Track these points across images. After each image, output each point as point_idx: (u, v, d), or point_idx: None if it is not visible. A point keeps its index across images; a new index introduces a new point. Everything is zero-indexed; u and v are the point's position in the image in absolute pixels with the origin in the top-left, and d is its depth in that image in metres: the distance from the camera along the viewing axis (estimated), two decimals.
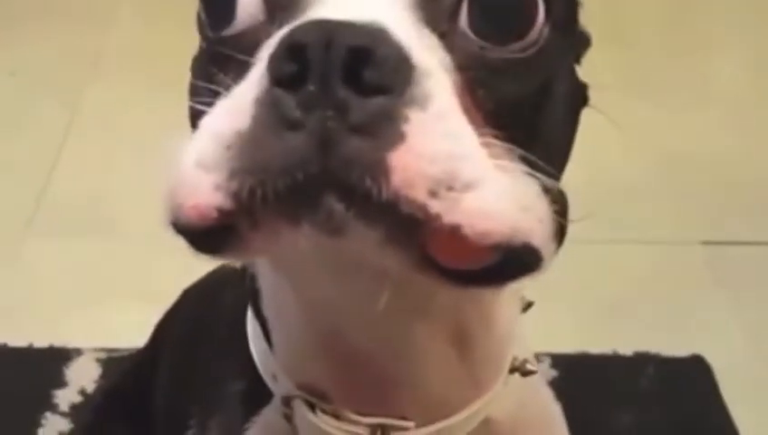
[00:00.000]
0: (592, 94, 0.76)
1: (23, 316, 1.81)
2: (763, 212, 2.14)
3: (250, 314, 0.81)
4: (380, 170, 0.53)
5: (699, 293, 1.92)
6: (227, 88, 0.60)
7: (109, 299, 1.82)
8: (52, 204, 2.12)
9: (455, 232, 0.54)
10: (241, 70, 0.60)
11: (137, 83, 2.46)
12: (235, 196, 0.55)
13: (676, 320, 1.85)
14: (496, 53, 0.62)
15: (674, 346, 1.76)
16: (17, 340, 1.74)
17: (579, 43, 0.76)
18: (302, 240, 0.55)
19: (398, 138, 0.53)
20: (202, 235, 0.58)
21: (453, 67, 0.60)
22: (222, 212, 0.56)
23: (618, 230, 2.06)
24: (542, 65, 0.64)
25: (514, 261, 0.59)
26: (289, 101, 0.54)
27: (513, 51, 0.62)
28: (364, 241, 0.55)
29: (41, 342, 1.74)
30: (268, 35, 0.60)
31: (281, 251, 0.61)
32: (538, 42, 0.63)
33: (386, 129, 0.53)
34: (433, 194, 0.54)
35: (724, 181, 2.22)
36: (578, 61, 0.76)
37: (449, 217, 0.54)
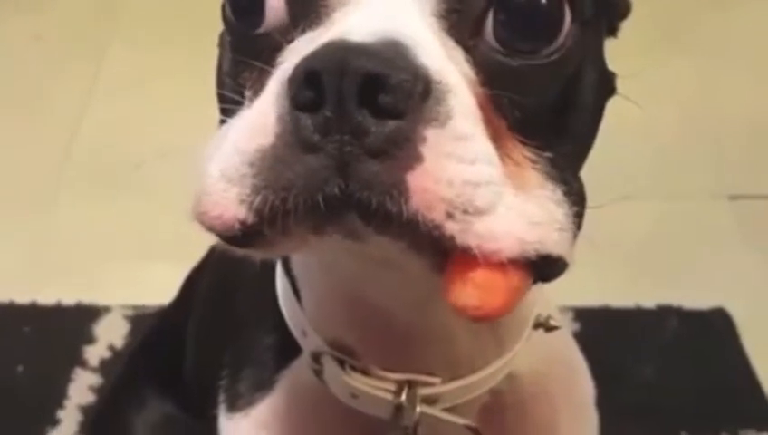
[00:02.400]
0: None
1: (50, 275, 1.83)
2: None
3: (279, 271, 0.83)
4: (399, 192, 0.55)
5: (725, 247, 1.92)
6: (251, 87, 0.62)
7: (136, 257, 1.84)
8: (79, 164, 2.13)
9: (466, 251, 0.56)
10: (263, 73, 0.62)
11: (160, 43, 2.47)
12: (258, 211, 0.57)
13: (701, 274, 1.84)
14: (521, 60, 0.62)
15: (697, 300, 1.77)
16: (45, 298, 1.76)
17: (615, 13, 0.75)
18: (327, 244, 0.59)
19: (415, 159, 0.55)
20: (228, 236, 0.60)
21: (476, 79, 0.60)
22: (245, 224, 0.58)
23: (643, 184, 2.06)
24: (568, 66, 0.64)
25: (534, 268, 0.61)
26: (307, 124, 0.55)
27: (539, 57, 0.62)
28: (387, 248, 0.58)
29: (69, 299, 1.76)
30: (290, 40, 0.62)
31: (307, 251, 0.64)
32: (565, 44, 0.63)
33: (403, 150, 0.55)
34: (450, 216, 0.56)
35: (751, 136, 2.20)
36: (613, 33, 0.75)
37: (461, 239, 0.56)
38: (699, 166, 2.13)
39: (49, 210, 2.01)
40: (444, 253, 0.57)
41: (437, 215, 0.55)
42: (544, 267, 0.61)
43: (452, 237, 0.56)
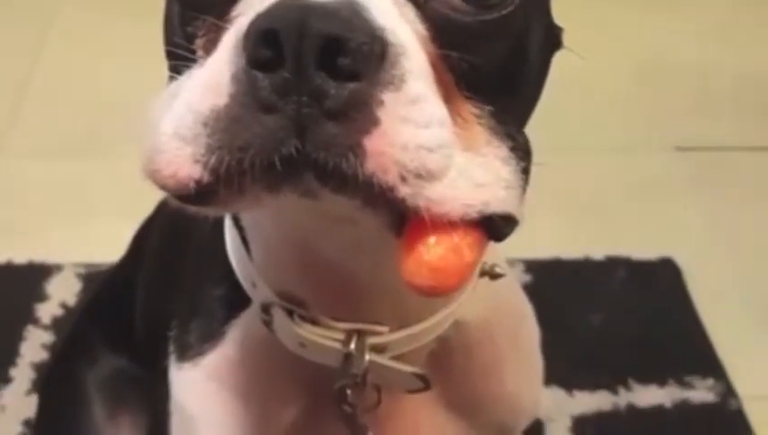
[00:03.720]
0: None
1: (0, 234, 1.81)
2: (737, 116, 2.16)
3: (228, 223, 0.83)
4: (355, 155, 0.55)
5: (673, 198, 1.95)
6: (202, 42, 0.62)
7: (87, 215, 1.83)
8: (26, 123, 2.11)
9: (417, 214, 0.57)
10: (215, 28, 0.61)
11: (109, 3, 2.44)
12: (214, 171, 0.57)
13: (649, 225, 1.88)
14: (473, 16, 0.62)
15: (646, 250, 1.80)
16: None
17: None
18: (281, 202, 0.59)
19: (371, 123, 0.55)
20: (182, 194, 0.60)
21: (428, 37, 0.61)
22: (200, 184, 0.58)
23: (592, 137, 2.09)
24: (517, 21, 0.65)
25: (485, 229, 0.61)
26: (264, 85, 0.55)
27: (489, 13, 0.63)
28: (342, 206, 0.58)
29: (20, 258, 1.75)
30: None
31: (261, 208, 0.64)
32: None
33: (360, 113, 0.55)
34: (403, 179, 0.56)
35: (697, 87, 2.24)
36: None
37: (412, 201, 0.57)
38: (647, 118, 2.16)
39: None
40: (399, 212, 0.58)
41: (392, 177, 0.56)
42: (495, 226, 0.62)
43: (403, 200, 0.56)
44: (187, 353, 0.86)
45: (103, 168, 1.94)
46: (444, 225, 0.58)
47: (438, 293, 0.60)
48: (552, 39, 0.73)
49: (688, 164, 2.04)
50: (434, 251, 0.59)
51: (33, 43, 2.34)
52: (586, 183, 1.94)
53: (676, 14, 2.46)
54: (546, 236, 1.71)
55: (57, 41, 2.37)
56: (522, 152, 0.65)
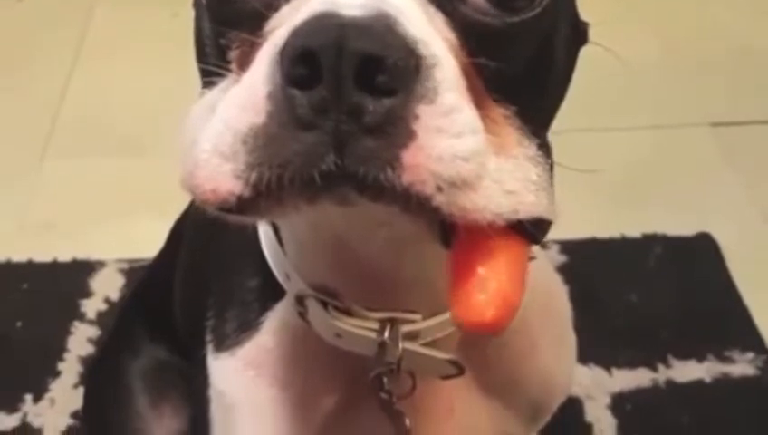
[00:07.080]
0: None
1: (45, 233, 1.85)
2: None
3: None
4: (393, 168, 0.55)
5: (708, 173, 1.95)
6: (235, 56, 0.63)
7: (127, 212, 1.86)
8: (68, 123, 2.15)
9: (450, 218, 0.58)
10: (248, 42, 0.62)
11: (145, 2, 2.46)
12: (255, 186, 0.57)
13: (686, 202, 1.87)
14: (501, 19, 0.63)
15: (683, 227, 1.79)
16: (41, 255, 1.79)
17: None
18: (319, 210, 0.59)
19: (408, 136, 0.56)
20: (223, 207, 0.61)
21: (458, 44, 0.61)
22: (241, 198, 0.58)
23: (626, 115, 2.08)
24: (545, 22, 0.65)
25: (522, 234, 0.62)
26: (302, 103, 0.55)
27: (518, 15, 0.63)
28: (380, 212, 0.59)
29: (64, 256, 1.78)
30: (275, 8, 0.62)
31: (298, 215, 0.64)
32: (543, 1, 0.64)
33: (397, 127, 0.55)
34: (439, 189, 0.57)
35: (732, 63, 2.22)
36: None
37: (446, 209, 0.57)
38: (680, 94, 2.15)
39: (40, 172, 2.02)
40: (438, 218, 0.59)
41: (428, 188, 0.56)
42: (529, 231, 0.62)
43: (438, 208, 0.57)
44: (223, 343, 0.88)
45: (142, 165, 1.97)
46: (487, 247, 0.60)
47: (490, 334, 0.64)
48: (579, 35, 0.74)
49: (723, 139, 2.02)
50: (488, 313, 0.61)
51: (70, 45, 2.38)
52: (620, 161, 1.92)
53: None
54: (581, 216, 1.71)
55: (94, 41, 2.40)
56: (547, 149, 0.65)
